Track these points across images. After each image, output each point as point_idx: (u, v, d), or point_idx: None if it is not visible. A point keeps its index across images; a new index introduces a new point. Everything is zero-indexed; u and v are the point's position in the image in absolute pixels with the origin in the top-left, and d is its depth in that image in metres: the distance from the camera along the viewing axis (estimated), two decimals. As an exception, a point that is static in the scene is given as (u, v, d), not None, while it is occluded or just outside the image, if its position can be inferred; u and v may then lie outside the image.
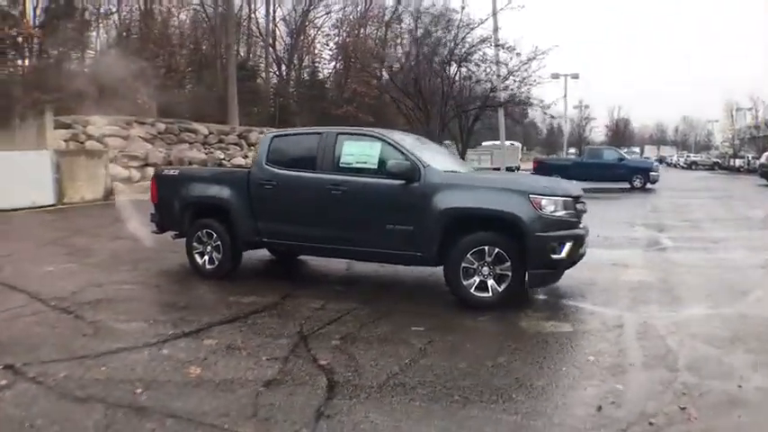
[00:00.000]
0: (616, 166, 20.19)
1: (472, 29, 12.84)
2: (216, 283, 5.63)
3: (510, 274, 4.63)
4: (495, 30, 13.58)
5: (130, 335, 4.10)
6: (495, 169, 17.36)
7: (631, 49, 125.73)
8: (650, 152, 70.65)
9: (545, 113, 19.20)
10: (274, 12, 32.46)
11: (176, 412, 2.90)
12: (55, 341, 3.97)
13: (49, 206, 11.40)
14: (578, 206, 4.95)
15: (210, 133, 20.20)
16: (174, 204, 6.08)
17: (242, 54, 31.08)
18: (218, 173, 6.37)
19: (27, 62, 16.37)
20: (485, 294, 4.68)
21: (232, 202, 5.71)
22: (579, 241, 4.80)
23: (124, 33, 21.50)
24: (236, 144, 21.20)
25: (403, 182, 4.91)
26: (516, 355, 3.70)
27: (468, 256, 4.67)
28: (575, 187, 5.26)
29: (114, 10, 20.75)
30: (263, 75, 30.95)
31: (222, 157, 19.35)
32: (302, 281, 6.05)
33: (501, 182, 4.90)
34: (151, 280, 5.87)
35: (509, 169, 22.99)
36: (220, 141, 20.35)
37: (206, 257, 5.89)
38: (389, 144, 5.12)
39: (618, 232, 9.30)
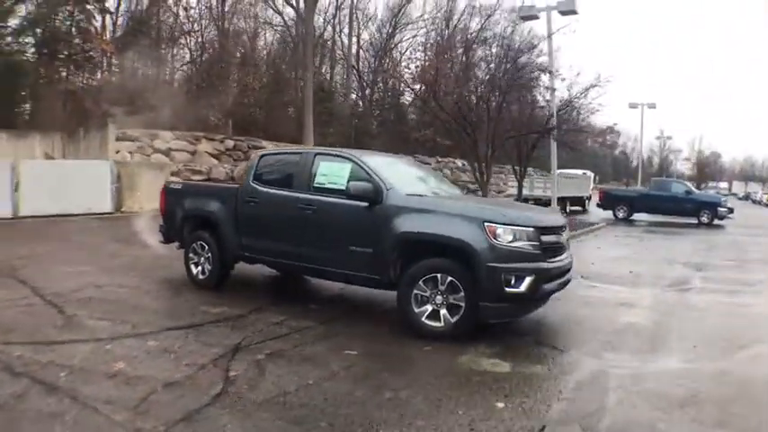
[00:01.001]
0: (683, 199, 20.10)
1: (522, 52, 12.82)
2: (203, 293, 6.22)
3: (463, 304, 4.71)
4: (550, 54, 13.43)
5: (91, 330, 4.77)
6: (552, 201, 16.91)
7: (715, 79, 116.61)
8: (738, 188, 71.01)
9: (597, 143, 18.48)
10: (359, 35, 34.15)
11: (77, 395, 3.45)
12: (28, 329, 4.73)
13: (106, 214, 12.96)
14: (548, 238, 4.93)
15: (278, 152, 21.67)
16: (177, 216, 6.84)
17: (325, 74, 32.99)
18: (213, 188, 7.04)
19: (99, 75, 18.76)
20: (437, 324, 4.79)
21: (220, 216, 6.31)
22: (543, 276, 4.76)
23: (200, 52, 23.84)
24: (301, 163, 22.56)
25: (366, 204, 5.20)
26: (424, 390, 3.74)
27: (420, 282, 4.82)
28: (549, 218, 5.22)
29: (194, 28, 23.09)
30: (343, 96, 32.53)
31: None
32: (285, 297, 6.44)
33: (460, 208, 4.98)
34: (149, 285, 6.61)
35: (577, 199, 22.84)
36: (286, 160, 21.69)
37: (200, 268, 6.54)
38: (358, 165, 5.45)
39: (652, 269, 9.17)
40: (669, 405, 3.65)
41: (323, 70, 33.62)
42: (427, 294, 4.82)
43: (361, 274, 5.28)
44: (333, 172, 5.61)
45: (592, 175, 27.98)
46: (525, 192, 19.02)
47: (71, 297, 5.79)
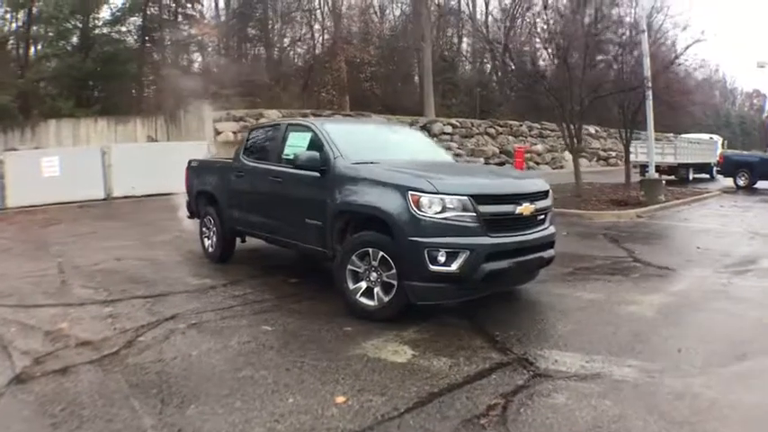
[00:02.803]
0: None
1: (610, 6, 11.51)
2: (206, 266, 6.94)
3: (396, 282, 4.60)
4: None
5: (71, 297, 5.63)
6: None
7: None
8: None
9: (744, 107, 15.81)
10: (487, 1, 33.20)
11: (8, 345, 4.28)
12: (24, 295, 5.71)
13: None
14: (492, 208, 4.53)
15: (388, 125, 22.19)
16: (193, 192, 7.56)
17: (451, 44, 32.63)
18: (215, 164, 7.59)
19: (204, 58, 20.70)
20: (370, 302, 4.75)
21: (218, 191, 6.87)
22: (482, 253, 4.42)
23: (314, 30, 25.07)
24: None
25: (318, 174, 5.27)
26: (285, 372, 3.72)
27: (354, 258, 4.80)
28: (497, 183, 4.80)
29: (306, 6, 24.29)
30: (468, 65, 31.96)
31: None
32: (278, 271, 6.72)
33: (391, 176, 4.71)
34: (166, 258, 7.43)
35: (702, 166, 21.31)
36: (397, 133, 22.20)
37: (209, 241, 7.19)
38: (316, 133, 5.52)
39: (724, 245, 8.28)
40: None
41: (451, 38, 33.22)
42: (361, 270, 4.79)
43: (314, 248, 5.40)
44: (297, 142, 5.79)
45: (719, 139, 25.37)
46: (643, 158, 17.41)
47: (85, 270, 6.79)
